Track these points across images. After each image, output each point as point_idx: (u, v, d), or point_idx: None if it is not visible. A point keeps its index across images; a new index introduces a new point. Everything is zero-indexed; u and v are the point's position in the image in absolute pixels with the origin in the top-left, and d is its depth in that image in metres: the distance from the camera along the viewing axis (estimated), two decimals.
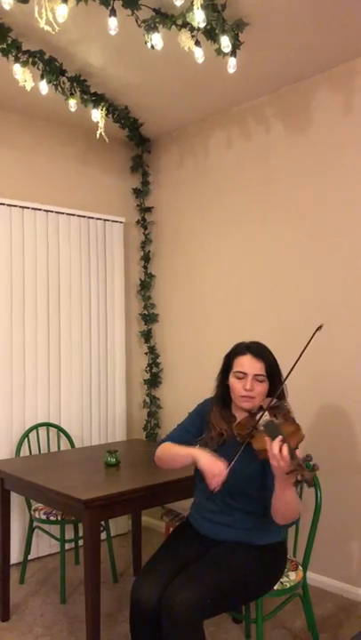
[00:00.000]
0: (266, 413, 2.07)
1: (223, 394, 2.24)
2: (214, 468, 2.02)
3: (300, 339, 3.25)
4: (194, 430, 2.28)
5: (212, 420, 2.22)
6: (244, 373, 2.13)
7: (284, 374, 2.16)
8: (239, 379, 2.14)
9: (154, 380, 4.16)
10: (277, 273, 3.42)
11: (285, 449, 1.84)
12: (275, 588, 2.22)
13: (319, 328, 2.11)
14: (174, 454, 2.18)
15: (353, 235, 3.07)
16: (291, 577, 2.30)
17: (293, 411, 2.16)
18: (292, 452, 1.84)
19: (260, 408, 2.14)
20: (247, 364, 2.13)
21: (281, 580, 2.25)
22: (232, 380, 2.17)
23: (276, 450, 1.84)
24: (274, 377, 2.16)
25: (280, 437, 1.87)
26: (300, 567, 2.39)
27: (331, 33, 2.79)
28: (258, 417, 2.06)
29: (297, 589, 2.36)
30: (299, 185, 3.32)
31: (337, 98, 3.13)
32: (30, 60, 2.89)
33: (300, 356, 2.07)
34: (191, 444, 2.22)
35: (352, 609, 2.93)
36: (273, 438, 1.91)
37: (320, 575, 3.18)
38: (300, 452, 1.86)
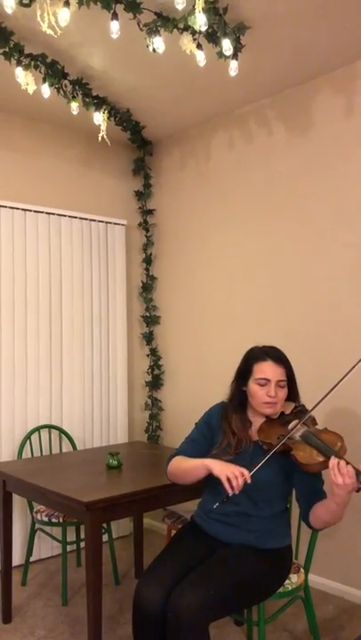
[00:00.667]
0: (299, 422, 2.06)
1: (241, 400, 2.21)
2: (234, 469, 1.95)
3: (303, 341, 3.27)
4: (203, 442, 2.23)
5: (233, 427, 2.17)
6: (267, 380, 2.11)
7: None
8: (261, 385, 2.12)
9: (155, 382, 4.17)
10: (279, 275, 3.43)
11: (351, 467, 1.84)
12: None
13: None
14: (186, 469, 2.12)
15: (356, 236, 3.08)
16: (293, 579, 2.29)
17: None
18: (356, 468, 1.83)
19: (283, 414, 2.14)
20: (269, 370, 2.12)
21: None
22: (253, 387, 2.14)
23: (340, 468, 1.83)
24: (292, 382, 2.18)
25: (329, 456, 1.89)
26: (302, 569, 2.38)
27: (331, 36, 2.79)
28: (291, 426, 2.06)
29: (299, 592, 2.35)
30: (300, 187, 3.32)
31: (338, 100, 3.14)
32: (32, 63, 2.91)
33: (341, 380, 2.06)
34: (203, 455, 2.16)
35: (354, 612, 2.93)
36: (319, 450, 1.92)
37: (322, 578, 3.18)
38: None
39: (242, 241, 3.64)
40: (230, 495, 1.93)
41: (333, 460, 1.87)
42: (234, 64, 2.74)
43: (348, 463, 1.86)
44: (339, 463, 1.86)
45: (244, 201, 3.63)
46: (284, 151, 3.40)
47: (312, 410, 2.08)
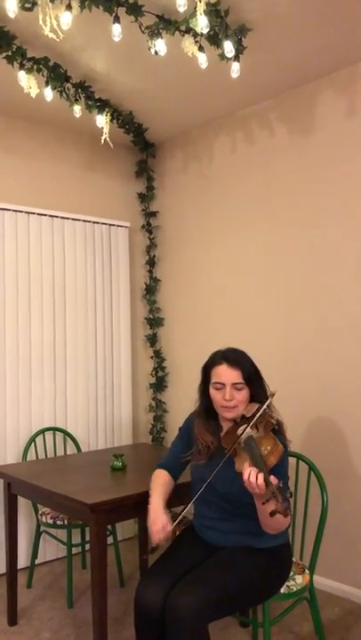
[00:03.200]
0: (247, 426, 2.03)
1: (206, 405, 2.24)
2: (157, 523, 2.08)
3: (305, 343, 3.27)
4: (182, 449, 2.32)
5: (197, 434, 2.23)
6: (222, 384, 2.12)
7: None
8: (218, 389, 2.14)
9: (159, 384, 4.17)
10: (282, 276, 3.43)
11: (261, 478, 1.81)
12: (281, 591, 2.21)
13: (272, 395, 2.10)
14: (150, 492, 2.25)
15: (359, 237, 3.07)
16: (297, 580, 2.29)
17: (287, 414, 2.15)
18: (267, 479, 1.79)
19: (243, 417, 2.11)
20: (224, 373, 2.13)
21: (288, 583, 2.25)
22: (212, 391, 2.17)
23: (251, 478, 1.82)
24: (253, 382, 2.15)
25: (254, 465, 1.85)
26: (307, 571, 2.38)
27: (333, 37, 2.79)
28: (240, 431, 2.03)
29: (304, 593, 2.35)
30: (303, 188, 3.32)
31: (340, 101, 3.14)
32: (35, 66, 2.92)
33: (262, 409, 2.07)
34: (182, 463, 2.32)
35: (360, 613, 2.92)
36: (252, 458, 1.88)
37: (327, 579, 3.17)
38: (274, 479, 1.81)
39: (245, 242, 3.64)
40: (155, 546, 2.06)
41: (248, 469, 1.86)
42: (236, 66, 2.75)
43: (260, 472, 1.82)
44: (250, 472, 1.84)
45: (246, 202, 3.63)
46: (286, 153, 3.41)
47: (257, 415, 2.03)
